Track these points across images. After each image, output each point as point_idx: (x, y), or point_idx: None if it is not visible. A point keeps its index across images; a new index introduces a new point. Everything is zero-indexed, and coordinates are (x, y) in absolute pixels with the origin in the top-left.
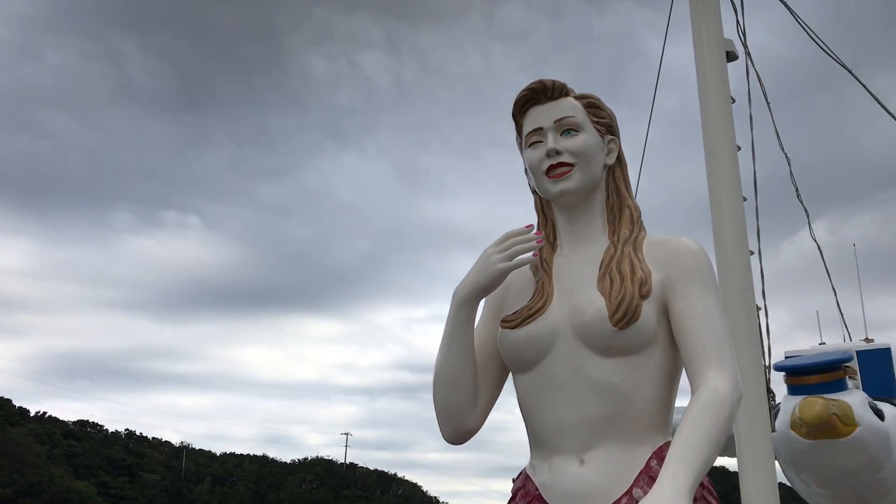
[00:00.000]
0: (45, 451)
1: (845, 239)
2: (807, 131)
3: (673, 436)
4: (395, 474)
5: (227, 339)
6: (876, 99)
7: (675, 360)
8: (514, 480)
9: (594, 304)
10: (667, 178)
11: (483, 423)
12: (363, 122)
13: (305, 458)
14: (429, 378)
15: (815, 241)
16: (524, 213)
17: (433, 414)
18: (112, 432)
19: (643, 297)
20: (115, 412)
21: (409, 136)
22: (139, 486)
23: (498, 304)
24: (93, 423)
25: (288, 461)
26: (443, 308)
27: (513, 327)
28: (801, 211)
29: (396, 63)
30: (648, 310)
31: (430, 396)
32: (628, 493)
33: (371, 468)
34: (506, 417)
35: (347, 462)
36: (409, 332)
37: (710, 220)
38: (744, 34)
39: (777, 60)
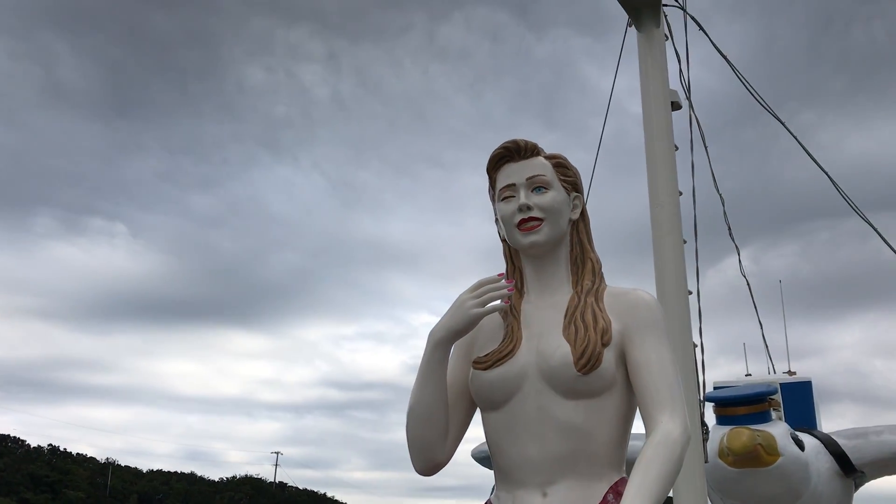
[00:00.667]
0: None
1: (768, 268)
2: (734, 163)
3: (628, 472)
4: (325, 494)
5: (149, 351)
6: (796, 138)
7: (630, 403)
8: None
9: (560, 349)
10: (605, 204)
11: (452, 456)
12: (299, 134)
13: (234, 477)
14: (356, 395)
15: (745, 277)
16: (460, 233)
17: (359, 432)
18: (34, 447)
19: (605, 345)
20: (28, 424)
21: (345, 151)
22: (62, 503)
23: (469, 346)
24: (14, 437)
25: (216, 479)
26: (374, 325)
27: (484, 368)
28: (727, 240)
29: (335, 77)
30: (609, 357)
31: (357, 414)
32: None
33: (301, 487)
34: None
35: (277, 481)
36: (338, 348)
37: (653, 260)
38: (688, 87)
39: (707, 94)
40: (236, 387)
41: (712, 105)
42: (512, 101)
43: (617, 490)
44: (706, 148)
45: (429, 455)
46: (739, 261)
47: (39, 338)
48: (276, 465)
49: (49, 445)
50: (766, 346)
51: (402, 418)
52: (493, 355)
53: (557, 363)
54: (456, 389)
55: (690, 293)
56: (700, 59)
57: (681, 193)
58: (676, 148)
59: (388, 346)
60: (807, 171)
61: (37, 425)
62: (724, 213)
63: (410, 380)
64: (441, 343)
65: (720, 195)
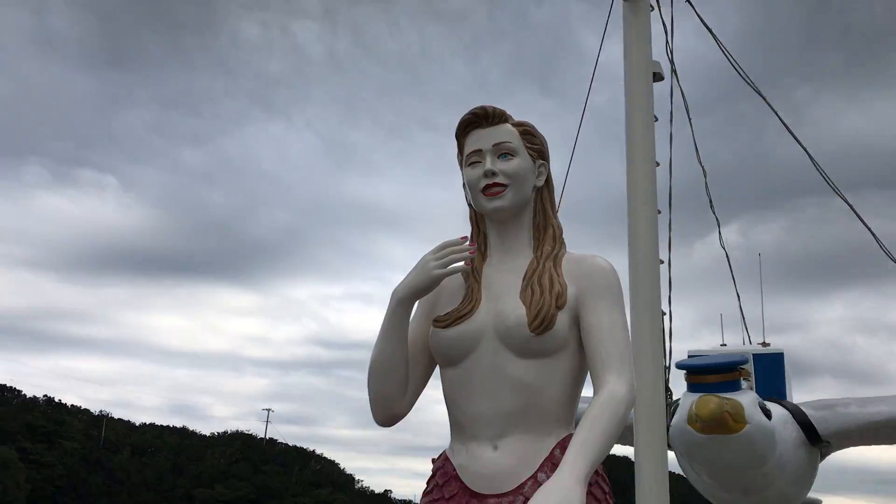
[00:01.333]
0: None
1: (755, 242)
2: (725, 138)
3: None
4: (314, 451)
5: (138, 304)
6: (775, 112)
7: (581, 364)
8: (433, 461)
9: (516, 311)
10: (593, 172)
11: (411, 409)
12: (293, 92)
13: (225, 432)
14: (343, 355)
15: (724, 248)
16: (451, 197)
17: (345, 390)
18: (30, 398)
19: (559, 307)
20: (16, 373)
21: (338, 110)
22: (58, 453)
23: (431, 305)
24: (10, 387)
25: (207, 434)
26: (361, 287)
27: (443, 327)
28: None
29: (331, 35)
30: (562, 319)
31: (343, 373)
32: (534, 476)
33: (290, 444)
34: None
35: (267, 437)
36: (325, 308)
37: (627, 228)
38: (671, 58)
39: (699, 66)
40: (224, 342)
41: (703, 80)
42: (508, 66)
43: (564, 445)
44: (690, 120)
45: (388, 407)
46: (719, 232)
47: (27, 288)
48: (267, 421)
49: (44, 396)
50: (743, 318)
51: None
52: (453, 314)
53: (512, 324)
54: (417, 346)
55: (662, 262)
56: (693, 33)
57: (658, 164)
58: (656, 119)
59: (375, 308)
60: (797, 148)
61: (24, 374)
62: (706, 184)
63: None
64: (403, 301)
65: (702, 167)
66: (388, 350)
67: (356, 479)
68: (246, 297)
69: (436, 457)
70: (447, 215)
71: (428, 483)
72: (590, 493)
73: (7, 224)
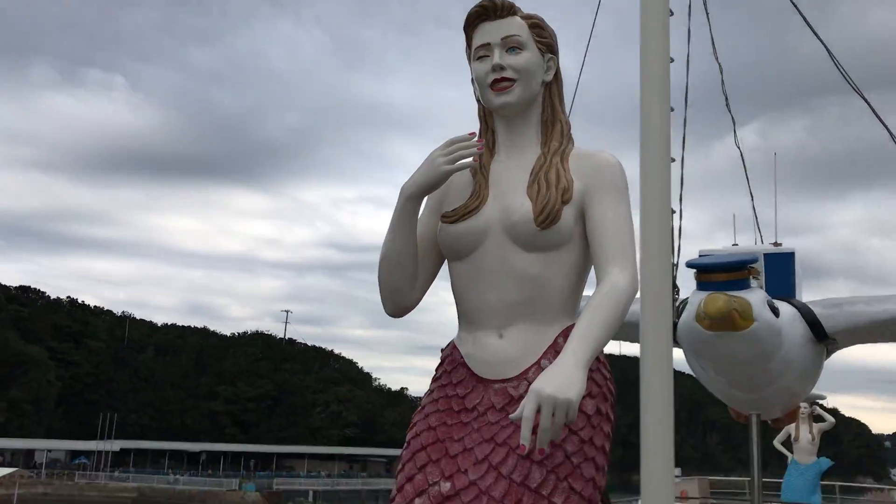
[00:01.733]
0: None
1: (774, 143)
2: (747, 33)
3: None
4: (332, 350)
5: (150, 206)
6: (801, 13)
7: (586, 257)
8: (441, 350)
9: (523, 206)
10: (609, 72)
11: (420, 301)
12: None
13: (245, 332)
14: (357, 257)
15: (739, 147)
16: (465, 97)
17: (359, 292)
18: (54, 299)
19: (564, 202)
20: (33, 274)
21: (349, 6)
22: (85, 352)
23: (438, 201)
24: (35, 288)
25: (228, 334)
26: (374, 189)
27: (451, 222)
28: (735, 114)
29: None
30: (568, 214)
31: (357, 275)
32: (537, 363)
33: (309, 344)
34: (429, 299)
35: (287, 337)
36: (338, 211)
37: (639, 125)
38: None
39: None
40: (237, 245)
41: None
42: None
43: (567, 334)
44: (707, 14)
45: (398, 299)
46: (734, 130)
47: (40, 189)
48: (286, 322)
49: (68, 298)
50: (756, 218)
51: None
52: (460, 210)
53: (519, 218)
54: (425, 241)
55: (674, 160)
56: None
57: (672, 60)
58: (671, 13)
59: (387, 210)
60: (820, 45)
61: (42, 275)
62: (722, 82)
63: None
64: (412, 197)
65: (718, 63)
66: (397, 245)
67: (373, 377)
68: (258, 199)
69: (444, 346)
70: (461, 115)
71: (437, 370)
72: (590, 379)
73: (16, 125)
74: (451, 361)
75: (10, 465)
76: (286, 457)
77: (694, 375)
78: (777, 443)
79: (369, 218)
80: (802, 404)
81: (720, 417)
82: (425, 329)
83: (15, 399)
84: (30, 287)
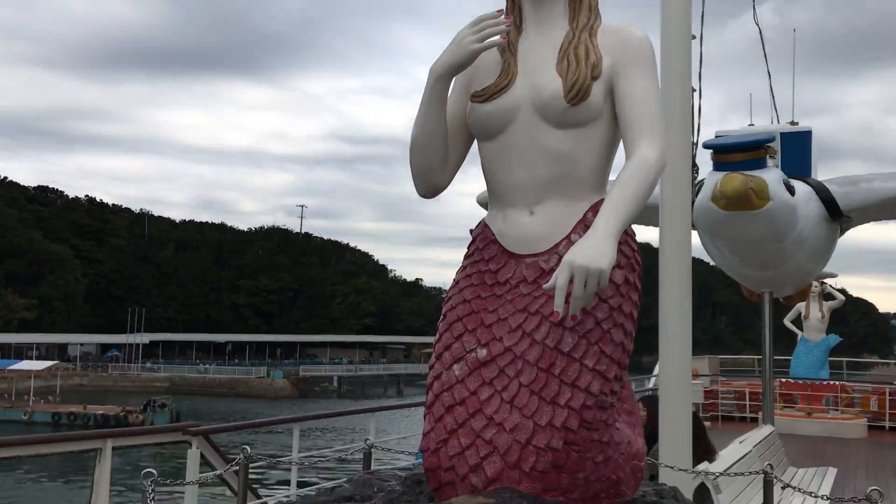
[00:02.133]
0: (14, 214)
1: (791, 22)
2: None
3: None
4: (348, 244)
5: (156, 101)
6: None
7: (615, 134)
8: (471, 231)
9: (553, 83)
10: None
11: (450, 181)
12: None
13: (262, 227)
14: (365, 149)
15: (757, 24)
16: None
17: (368, 185)
18: (73, 198)
19: (594, 78)
20: (41, 172)
21: None
22: (107, 249)
23: (468, 81)
24: (53, 188)
25: (245, 229)
26: (380, 79)
27: (481, 101)
28: None
29: None
30: (597, 90)
31: (366, 168)
32: (567, 237)
33: (325, 238)
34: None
35: (303, 232)
36: (344, 102)
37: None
38: None
39: None
40: (245, 139)
41: None
42: None
43: (596, 209)
44: None
45: (430, 179)
46: (753, 6)
47: (44, 87)
48: (302, 217)
49: (86, 196)
50: (772, 97)
51: (408, 172)
52: (490, 89)
53: (549, 96)
54: (455, 122)
55: (694, 38)
56: None
57: None
58: None
59: (394, 101)
60: None
61: (51, 174)
62: None
63: None
64: (441, 78)
65: None
66: (428, 126)
67: (391, 269)
68: (263, 91)
69: (473, 227)
70: (471, 3)
71: (469, 247)
72: (619, 250)
73: (12, 20)
74: (483, 239)
75: (45, 359)
76: (309, 346)
77: (706, 257)
78: (787, 321)
79: (375, 108)
80: (814, 283)
81: (729, 301)
82: (435, 221)
83: (45, 296)
84: (48, 187)
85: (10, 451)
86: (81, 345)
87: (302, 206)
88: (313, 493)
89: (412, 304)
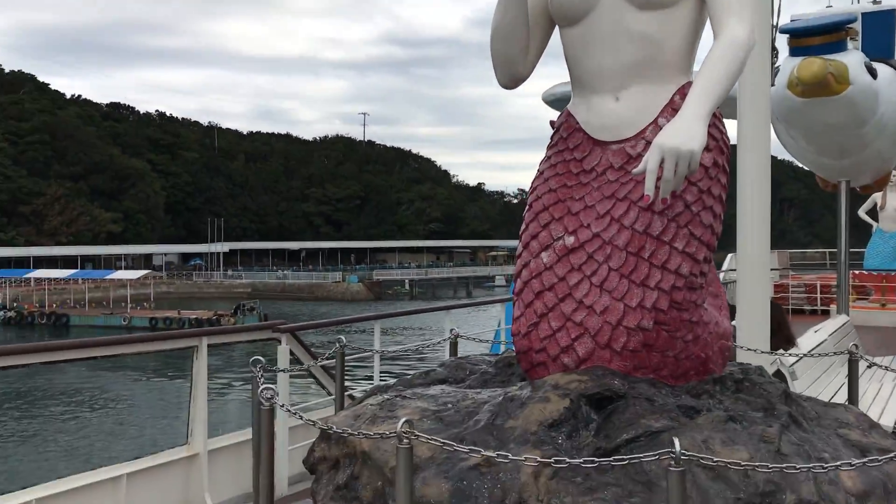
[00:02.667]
0: (92, 132)
1: None
2: None
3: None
4: (410, 150)
5: (209, 11)
6: None
7: (701, 14)
8: (551, 123)
9: None
10: None
11: (532, 71)
12: None
13: (326, 136)
14: (419, 52)
15: None
16: None
17: (423, 89)
18: (144, 113)
19: None
20: (105, 88)
21: None
22: (181, 162)
23: None
24: (125, 104)
25: (310, 139)
26: None
27: None
28: None
29: None
30: None
31: (421, 72)
32: (654, 122)
33: (389, 145)
34: (496, 93)
35: (366, 140)
36: (397, 4)
37: None
38: None
39: None
40: (299, 46)
41: None
42: None
43: (683, 92)
44: None
45: (511, 70)
46: None
47: (96, 1)
48: (364, 124)
49: (157, 111)
50: None
51: (464, 74)
52: None
53: None
54: (536, 9)
55: None
56: None
57: None
58: None
59: (448, 0)
60: None
61: (111, 88)
62: None
63: (472, 36)
64: None
65: None
66: (508, 14)
67: (453, 175)
68: None
69: (556, 118)
70: None
71: (552, 138)
72: (708, 133)
73: None
74: (567, 128)
75: (132, 269)
76: (378, 251)
77: (776, 150)
78: (862, 212)
79: (430, 10)
80: (893, 171)
81: (798, 195)
82: (493, 124)
83: (128, 210)
84: (120, 103)
85: (116, 349)
86: (165, 255)
87: (364, 114)
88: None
89: (476, 208)
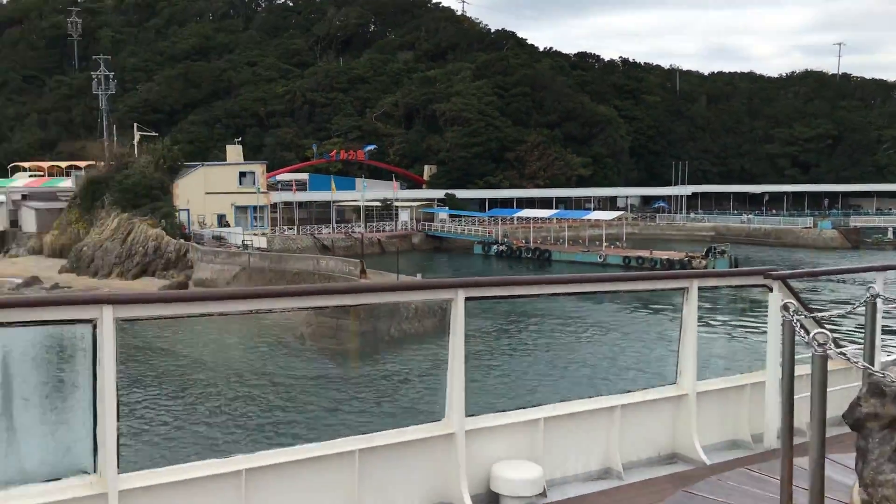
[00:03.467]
0: (563, 82)
1: None
2: None
3: None
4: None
5: None
6: None
7: None
8: None
9: None
10: None
11: None
12: None
13: (793, 73)
14: None
15: None
16: None
17: None
18: (608, 61)
19: None
20: (564, 38)
21: None
22: (644, 107)
23: None
24: (590, 53)
25: (775, 76)
26: None
27: None
28: None
29: None
30: None
31: None
32: None
33: (867, 77)
34: None
35: (840, 72)
36: None
37: None
38: None
39: None
40: None
41: None
42: None
43: None
44: None
45: None
46: None
47: None
48: (839, 56)
49: (620, 58)
50: None
51: None
52: None
53: None
54: None
55: None
56: None
57: None
58: None
59: None
60: None
61: (569, 38)
62: None
63: None
64: None
65: None
66: None
67: None
68: None
69: None
70: None
71: None
72: None
73: None
74: None
75: (598, 210)
76: (851, 195)
77: None
78: None
79: None
80: None
81: None
82: None
83: (597, 154)
84: (586, 52)
85: (614, 285)
86: (628, 197)
87: (839, 45)
88: None
89: None
